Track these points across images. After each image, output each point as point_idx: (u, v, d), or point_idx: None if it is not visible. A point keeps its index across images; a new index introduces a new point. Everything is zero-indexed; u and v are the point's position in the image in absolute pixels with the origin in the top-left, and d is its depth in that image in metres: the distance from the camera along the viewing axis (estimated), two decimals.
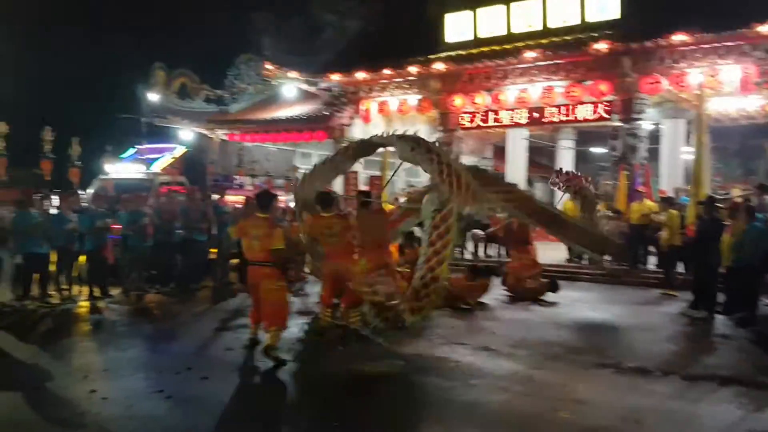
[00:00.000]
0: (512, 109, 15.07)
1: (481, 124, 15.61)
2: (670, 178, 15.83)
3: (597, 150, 22.54)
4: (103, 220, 10.09)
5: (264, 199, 6.81)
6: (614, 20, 13.14)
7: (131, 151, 24.12)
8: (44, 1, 35.54)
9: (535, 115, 14.80)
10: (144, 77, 22.74)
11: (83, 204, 10.76)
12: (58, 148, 15.99)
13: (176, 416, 4.90)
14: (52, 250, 9.58)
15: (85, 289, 10.08)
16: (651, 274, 11.90)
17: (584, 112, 14.23)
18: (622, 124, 13.71)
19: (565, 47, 13.30)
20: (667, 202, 11.29)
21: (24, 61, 32.99)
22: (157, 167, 22.42)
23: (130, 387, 5.49)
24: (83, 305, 9.48)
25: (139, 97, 22.65)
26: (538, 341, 7.18)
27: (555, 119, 14.69)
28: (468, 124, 15.78)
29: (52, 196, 12.38)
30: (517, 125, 15.54)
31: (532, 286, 9.99)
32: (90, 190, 15.55)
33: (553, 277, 10.42)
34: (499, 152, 20.87)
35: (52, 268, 9.75)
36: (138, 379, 5.75)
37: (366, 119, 17.65)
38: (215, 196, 12.63)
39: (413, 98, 16.42)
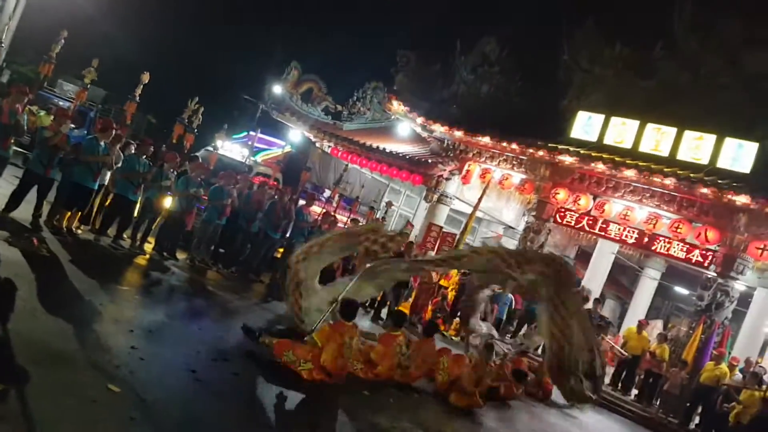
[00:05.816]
0: (610, 222, 14.66)
1: (575, 224, 15.28)
2: (746, 348, 14.74)
3: (681, 290, 21.61)
4: (196, 189, 10.51)
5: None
6: (743, 174, 12.56)
7: (244, 134, 25.31)
8: None
9: (633, 236, 14.30)
10: (277, 70, 23.88)
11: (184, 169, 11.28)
12: (181, 112, 16.78)
13: (199, 402, 4.96)
14: (140, 198, 10.04)
15: (154, 244, 10.47)
16: None
17: (682, 251, 13.63)
18: (716, 276, 12.95)
19: (687, 182, 12.82)
20: (754, 379, 10.76)
21: (185, 18, 35.51)
22: (260, 157, 23.34)
23: (168, 356, 5.60)
24: (149, 259, 9.82)
25: (266, 86, 23.77)
26: None
27: (652, 247, 14.09)
28: (562, 220, 15.50)
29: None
30: (609, 238, 15.08)
31: None
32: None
33: None
34: (583, 256, 20.39)
35: (135, 215, 10.18)
36: (177, 351, 5.85)
37: (466, 180, 17.68)
38: (302, 202, 12.95)
39: (517, 176, 16.33)
